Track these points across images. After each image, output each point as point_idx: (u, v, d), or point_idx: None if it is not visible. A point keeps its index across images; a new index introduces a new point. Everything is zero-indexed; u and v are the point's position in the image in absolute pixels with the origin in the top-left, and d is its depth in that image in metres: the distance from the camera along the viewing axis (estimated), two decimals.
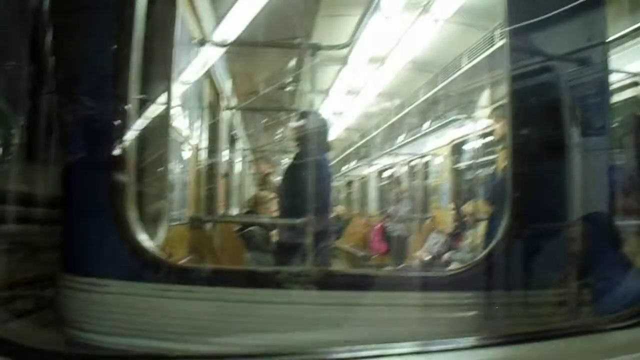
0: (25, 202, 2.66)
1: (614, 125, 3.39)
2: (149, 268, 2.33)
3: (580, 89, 2.42)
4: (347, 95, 9.12)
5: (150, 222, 2.94)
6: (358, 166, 14.03)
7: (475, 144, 6.93)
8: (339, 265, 7.81)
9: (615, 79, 3.58)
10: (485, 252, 2.50)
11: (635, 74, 3.76)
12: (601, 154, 2.44)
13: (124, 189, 2.35)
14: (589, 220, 2.30)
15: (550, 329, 2.10)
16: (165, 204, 3.15)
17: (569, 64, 2.42)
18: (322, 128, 4.51)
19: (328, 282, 2.46)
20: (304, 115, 4.82)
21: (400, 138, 10.51)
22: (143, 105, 2.75)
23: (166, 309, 2.29)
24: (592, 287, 2.26)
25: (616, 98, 3.70)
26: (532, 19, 2.34)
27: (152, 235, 2.78)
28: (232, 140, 7.74)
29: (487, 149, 6.78)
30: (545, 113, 2.45)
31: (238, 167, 9.00)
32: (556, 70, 2.41)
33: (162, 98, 3.03)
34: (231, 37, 4.24)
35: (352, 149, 14.26)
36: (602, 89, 2.49)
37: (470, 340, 1.87)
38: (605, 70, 2.49)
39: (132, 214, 2.35)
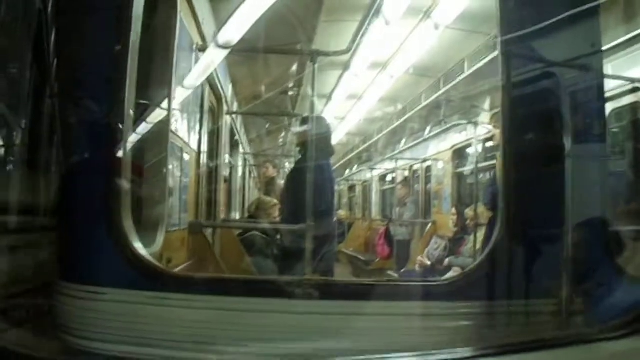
0: (25, 208, 2.67)
1: (612, 132, 3.40)
2: (145, 276, 2.32)
3: (576, 95, 2.41)
4: (348, 100, 9.14)
5: (149, 229, 2.94)
6: (360, 171, 14.04)
7: (477, 149, 6.93)
8: (341, 269, 7.81)
9: (613, 86, 3.58)
10: (478, 261, 2.50)
11: (633, 80, 3.75)
12: (596, 161, 2.43)
13: (121, 195, 2.34)
14: (583, 228, 2.29)
15: (546, 338, 2.08)
16: (164, 210, 3.15)
17: (564, 71, 2.41)
18: (326, 133, 4.51)
19: (329, 291, 2.45)
20: (307, 120, 4.81)
21: (402, 143, 10.52)
22: (143, 110, 2.75)
23: (163, 317, 2.28)
24: (587, 295, 2.25)
25: (614, 105, 3.70)
26: (525, 27, 2.34)
27: (150, 242, 2.78)
28: (234, 145, 7.75)
29: (488, 154, 6.77)
30: (540, 120, 2.44)
31: (239, 172, 9.01)
32: (550, 78, 2.40)
33: (163, 103, 3.03)
34: (233, 42, 4.24)
35: (354, 154, 14.28)
36: (598, 96, 2.49)
37: (467, 351, 1.87)
38: (601, 77, 2.49)
39: (129, 222, 2.34)
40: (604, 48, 2.59)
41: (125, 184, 2.35)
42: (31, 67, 2.82)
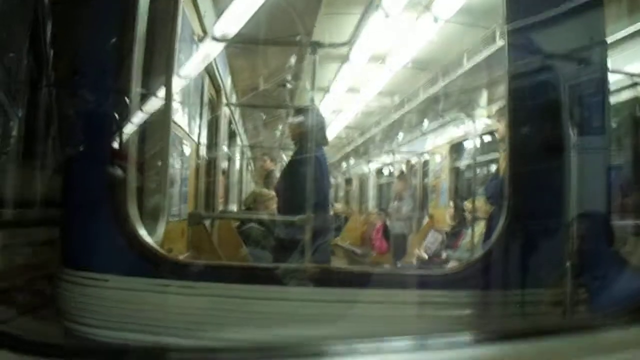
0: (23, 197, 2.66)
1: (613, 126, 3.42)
2: (147, 263, 2.33)
3: (579, 88, 2.42)
4: (347, 93, 9.12)
5: (150, 218, 2.95)
6: (357, 164, 14.04)
7: (475, 143, 6.95)
8: (338, 263, 7.83)
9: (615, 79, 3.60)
10: (483, 251, 2.52)
11: (634, 75, 3.78)
12: (599, 153, 2.45)
13: (123, 183, 2.36)
14: (585, 219, 2.32)
15: (546, 325, 2.11)
16: (164, 199, 3.15)
17: (568, 63, 2.43)
18: (318, 123, 4.51)
19: (326, 279, 2.47)
20: (299, 111, 4.83)
21: (400, 136, 10.53)
22: (143, 99, 2.76)
23: (164, 304, 2.30)
24: (589, 286, 2.27)
25: (616, 99, 3.72)
26: (531, 19, 2.35)
27: (151, 231, 2.79)
28: (232, 137, 7.75)
29: (486, 148, 6.80)
30: (544, 112, 2.46)
31: (238, 163, 9.00)
32: (554, 70, 2.42)
33: (163, 93, 3.03)
34: (232, 33, 4.25)
35: (351, 147, 14.26)
36: (601, 89, 2.50)
37: (466, 337, 1.88)
38: (604, 70, 2.50)
39: (131, 209, 2.35)
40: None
41: (129, 172, 2.36)
42: (30, 57, 2.81)
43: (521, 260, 2.36)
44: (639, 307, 1.89)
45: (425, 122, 9.03)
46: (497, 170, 4.74)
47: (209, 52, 4.34)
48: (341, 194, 15.48)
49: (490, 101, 6.27)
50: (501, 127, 4.32)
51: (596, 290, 2.27)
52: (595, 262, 2.33)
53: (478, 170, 7.06)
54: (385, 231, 9.12)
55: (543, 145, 2.43)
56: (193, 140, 4.22)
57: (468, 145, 7.41)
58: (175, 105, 3.44)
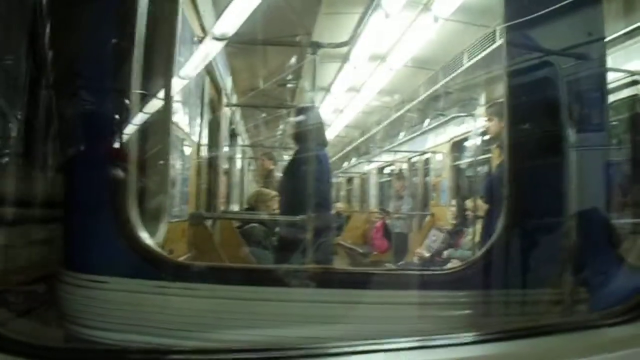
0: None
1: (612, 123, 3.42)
2: (148, 265, 2.33)
3: (577, 85, 2.42)
4: (347, 93, 9.14)
5: (151, 219, 2.95)
6: (358, 163, 14.05)
7: (475, 141, 6.95)
8: (339, 262, 7.84)
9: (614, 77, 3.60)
10: (481, 251, 2.52)
11: (634, 73, 3.78)
12: (598, 151, 2.45)
13: (123, 185, 2.35)
14: (584, 218, 2.31)
15: (546, 324, 2.10)
16: (165, 201, 3.16)
17: (566, 60, 2.42)
18: (317, 122, 4.51)
19: (328, 279, 2.47)
20: (297, 111, 4.84)
21: (401, 135, 10.54)
22: (143, 100, 2.76)
23: (166, 305, 2.30)
24: (588, 285, 2.27)
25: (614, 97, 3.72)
26: (529, 16, 2.35)
27: (152, 232, 2.79)
28: (233, 137, 7.76)
29: (486, 146, 6.80)
30: (542, 110, 2.45)
31: (239, 163, 9.02)
32: (552, 67, 2.41)
33: (163, 93, 3.04)
34: (232, 33, 4.25)
35: (352, 146, 14.28)
36: (600, 86, 2.50)
37: (466, 336, 1.88)
38: (603, 68, 2.50)
39: (132, 210, 2.35)
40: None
41: (129, 174, 2.36)
42: (29, 58, 2.81)
43: (520, 260, 2.35)
44: (638, 305, 1.89)
45: (426, 121, 9.04)
46: (491, 169, 4.72)
47: (208, 52, 4.34)
48: (342, 193, 15.50)
49: (490, 99, 6.27)
50: (492, 125, 4.32)
51: (595, 290, 2.27)
52: (594, 260, 2.33)
53: (479, 168, 7.06)
54: (386, 230, 9.13)
55: (541, 143, 2.42)
56: (194, 140, 4.23)
57: (469, 143, 7.41)
58: (176, 105, 3.44)
